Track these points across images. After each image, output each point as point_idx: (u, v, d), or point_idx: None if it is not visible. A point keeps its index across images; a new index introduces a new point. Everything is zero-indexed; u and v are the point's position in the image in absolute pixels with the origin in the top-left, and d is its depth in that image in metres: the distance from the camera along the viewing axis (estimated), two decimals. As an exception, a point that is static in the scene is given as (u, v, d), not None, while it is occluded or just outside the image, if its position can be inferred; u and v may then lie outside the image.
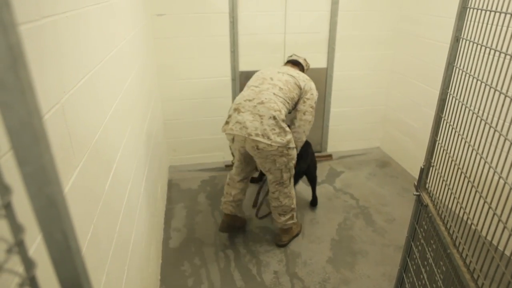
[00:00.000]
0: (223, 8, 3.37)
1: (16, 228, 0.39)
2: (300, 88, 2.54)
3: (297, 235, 2.87)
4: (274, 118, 2.31)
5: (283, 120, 2.37)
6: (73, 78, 1.18)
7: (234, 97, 3.69)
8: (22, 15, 0.86)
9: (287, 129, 2.39)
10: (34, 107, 0.34)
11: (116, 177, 1.56)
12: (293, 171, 2.59)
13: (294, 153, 2.48)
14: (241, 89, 3.71)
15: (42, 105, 0.92)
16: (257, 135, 2.30)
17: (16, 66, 0.34)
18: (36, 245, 0.80)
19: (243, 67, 3.64)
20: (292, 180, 2.64)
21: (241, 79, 3.69)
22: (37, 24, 0.94)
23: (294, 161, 2.53)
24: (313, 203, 3.23)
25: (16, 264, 0.68)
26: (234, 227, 2.81)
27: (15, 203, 0.39)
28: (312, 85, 2.60)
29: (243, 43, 3.56)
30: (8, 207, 0.38)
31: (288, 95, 2.47)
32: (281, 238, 2.76)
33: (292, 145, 2.42)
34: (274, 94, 2.41)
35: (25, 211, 0.51)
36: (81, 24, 1.30)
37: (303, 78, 2.60)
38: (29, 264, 0.42)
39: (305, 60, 2.95)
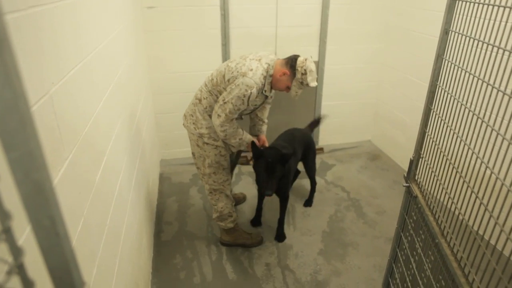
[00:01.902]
0: (214, 1, 3.35)
1: (3, 215, 0.39)
2: (225, 81, 2.21)
3: (245, 245, 2.70)
4: (194, 105, 2.38)
5: (204, 110, 2.33)
6: (63, 69, 1.16)
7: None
8: (7, 4, 0.85)
9: (204, 122, 2.33)
10: (20, 91, 0.34)
11: (107, 169, 1.55)
12: (215, 176, 2.45)
13: (209, 150, 2.38)
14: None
15: (30, 96, 0.91)
16: (184, 114, 2.50)
17: (0, 50, 0.33)
18: (26, 233, 0.80)
19: (234, 60, 3.63)
20: (221, 187, 2.51)
21: (233, 73, 3.67)
22: (23, 14, 0.93)
23: (210, 160, 2.41)
24: (308, 203, 3.23)
25: (4, 251, 0.68)
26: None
27: (2, 189, 0.39)
28: (242, 80, 2.11)
29: (235, 36, 3.54)
30: (-6, 193, 0.37)
31: (215, 87, 2.27)
32: (221, 235, 2.74)
33: (208, 141, 2.35)
34: (205, 83, 2.36)
35: (13, 198, 0.51)
36: (70, 15, 1.28)
37: (236, 70, 2.16)
38: (16, 251, 0.41)
39: (303, 62, 2.15)
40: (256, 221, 2.96)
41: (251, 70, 2.14)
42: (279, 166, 2.37)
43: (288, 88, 2.23)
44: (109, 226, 1.50)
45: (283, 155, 2.38)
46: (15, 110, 0.34)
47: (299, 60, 2.16)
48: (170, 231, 2.89)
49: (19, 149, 0.36)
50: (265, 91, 2.24)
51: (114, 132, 1.79)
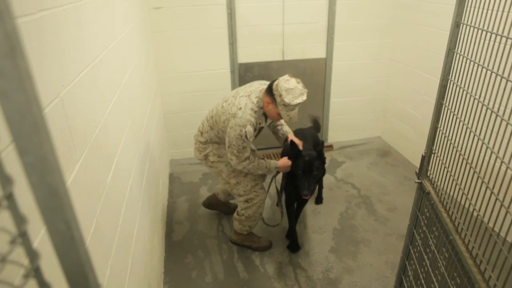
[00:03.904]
0: (221, 0, 3.35)
1: (19, 219, 0.39)
2: (221, 122, 2.28)
3: (250, 247, 2.66)
4: (197, 136, 2.55)
5: (205, 142, 2.48)
6: (72, 71, 1.17)
7: (233, 90, 3.67)
8: (18, 8, 0.85)
9: (205, 146, 2.48)
10: (33, 95, 0.34)
11: (117, 170, 1.56)
12: (239, 185, 2.46)
13: (217, 165, 2.47)
14: (240, 82, 3.70)
15: (41, 99, 0.92)
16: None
17: (13, 54, 0.33)
18: (41, 235, 0.80)
19: (242, 59, 3.62)
20: (253, 194, 2.47)
21: (240, 71, 3.67)
22: (34, 18, 0.93)
23: (225, 174, 2.46)
24: (319, 201, 3.19)
25: (21, 255, 0.68)
26: (212, 207, 3.05)
27: (18, 194, 0.39)
28: (234, 122, 2.16)
29: (242, 35, 3.53)
30: (10, 197, 0.37)
31: (215, 125, 2.35)
32: (231, 235, 2.73)
33: (213, 158, 2.46)
34: (207, 118, 2.48)
35: (29, 202, 0.51)
36: (79, 18, 1.29)
37: (228, 112, 2.22)
38: (33, 255, 0.42)
39: (277, 85, 2.08)
40: (295, 245, 2.66)
41: (240, 109, 2.16)
42: (317, 164, 2.31)
43: (279, 115, 2.16)
44: (121, 227, 1.51)
45: (320, 154, 2.35)
46: (29, 114, 0.34)
47: (274, 84, 2.11)
48: (181, 231, 2.90)
49: (33, 153, 0.36)
50: (260, 123, 2.26)
51: (124, 133, 1.80)
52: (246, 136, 2.15)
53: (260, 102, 2.20)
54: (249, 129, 2.14)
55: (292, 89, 2.03)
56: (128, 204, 1.68)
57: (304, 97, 2.07)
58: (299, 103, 2.05)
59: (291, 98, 2.03)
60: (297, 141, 2.45)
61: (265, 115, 2.26)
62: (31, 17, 0.91)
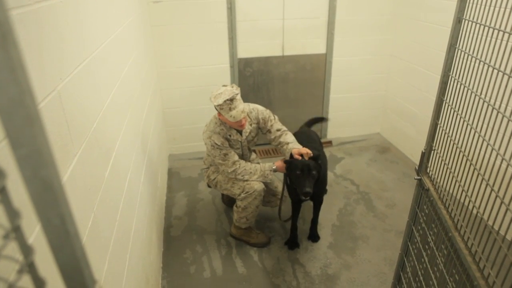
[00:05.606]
0: (221, -6, 3.32)
1: (12, 214, 0.38)
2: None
3: (248, 243, 2.68)
4: (203, 167, 2.82)
5: (205, 169, 2.77)
6: (70, 64, 1.16)
7: (233, 85, 3.66)
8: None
9: (207, 169, 2.74)
10: (26, 86, 0.33)
11: (115, 165, 1.55)
12: (232, 190, 2.55)
13: (217, 178, 2.64)
14: (239, 77, 3.69)
15: (38, 92, 0.90)
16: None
17: (5, 44, 0.32)
18: (36, 231, 0.80)
19: (241, 54, 3.60)
20: (247, 197, 2.48)
21: (240, 66, 3.65)
22: (31, 9, 0.92)
23: (222, 183, 2.60)
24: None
25: (15, 250, 0.67)
26: (231, 203, 3.06)
27: (10, 187, 0.38)
28: (204, 136, 2.49)
29: (241, 30, 3.51)
30: (3, 191, 0.36)
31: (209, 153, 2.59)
32: (231, 229, 2.76)
33: (212, 176, 2.67)
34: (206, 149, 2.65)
35: (22, 196, 0.50)
36: (77, 10, 1.27)
37: (205, 130, 2.51)
38: (27, 250, 0.41)
39: (210, 98, 2.35)
40: (293, 242, 2.66)
41: (206, 125, 2.54)
42: (313, 165, 2.30)
43: (233, 123, 2.35)
44: (119, 222, 1.50)
45: (314, 156, 2.34)
46: (22, 106, 0.33)
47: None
48: (179, 226, 2.89)
49: (26, 146, 0.35)
50: (230, 135, 2.47)
51: (123, 127, 1.79)
52: (215, 143, 2.39)
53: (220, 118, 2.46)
54: (215, 137, 2.41)
55: (220, 93, 2.29)
56: (126, 198, 1.67)
57: (233, 93, 2.26)
58: (227, 99, 2.24)
59: (220, 100, 2.26)
60: (303, 151, 2.40)
61: (236, 129, 2.49)
62: (28, 9, 0.90)
